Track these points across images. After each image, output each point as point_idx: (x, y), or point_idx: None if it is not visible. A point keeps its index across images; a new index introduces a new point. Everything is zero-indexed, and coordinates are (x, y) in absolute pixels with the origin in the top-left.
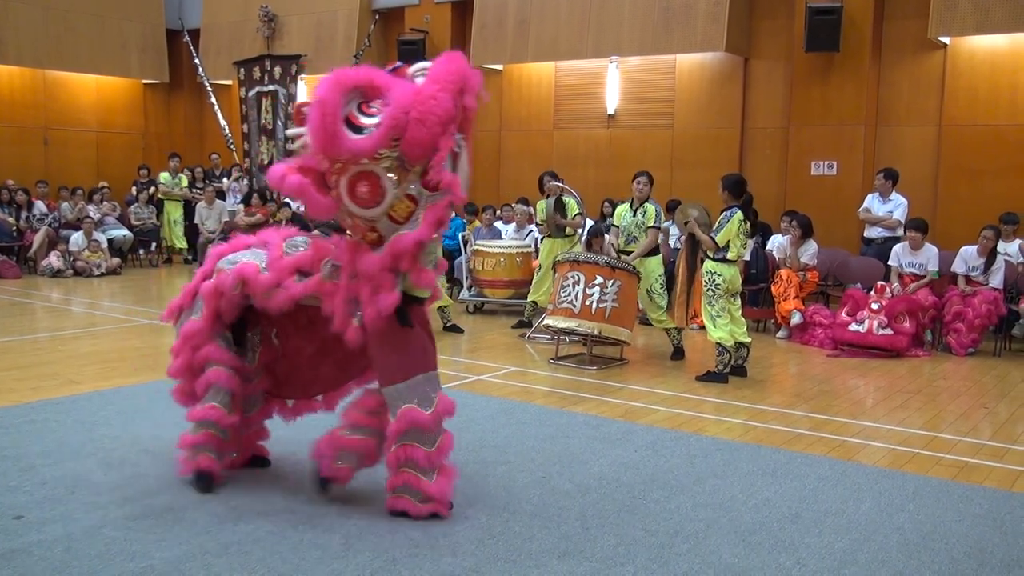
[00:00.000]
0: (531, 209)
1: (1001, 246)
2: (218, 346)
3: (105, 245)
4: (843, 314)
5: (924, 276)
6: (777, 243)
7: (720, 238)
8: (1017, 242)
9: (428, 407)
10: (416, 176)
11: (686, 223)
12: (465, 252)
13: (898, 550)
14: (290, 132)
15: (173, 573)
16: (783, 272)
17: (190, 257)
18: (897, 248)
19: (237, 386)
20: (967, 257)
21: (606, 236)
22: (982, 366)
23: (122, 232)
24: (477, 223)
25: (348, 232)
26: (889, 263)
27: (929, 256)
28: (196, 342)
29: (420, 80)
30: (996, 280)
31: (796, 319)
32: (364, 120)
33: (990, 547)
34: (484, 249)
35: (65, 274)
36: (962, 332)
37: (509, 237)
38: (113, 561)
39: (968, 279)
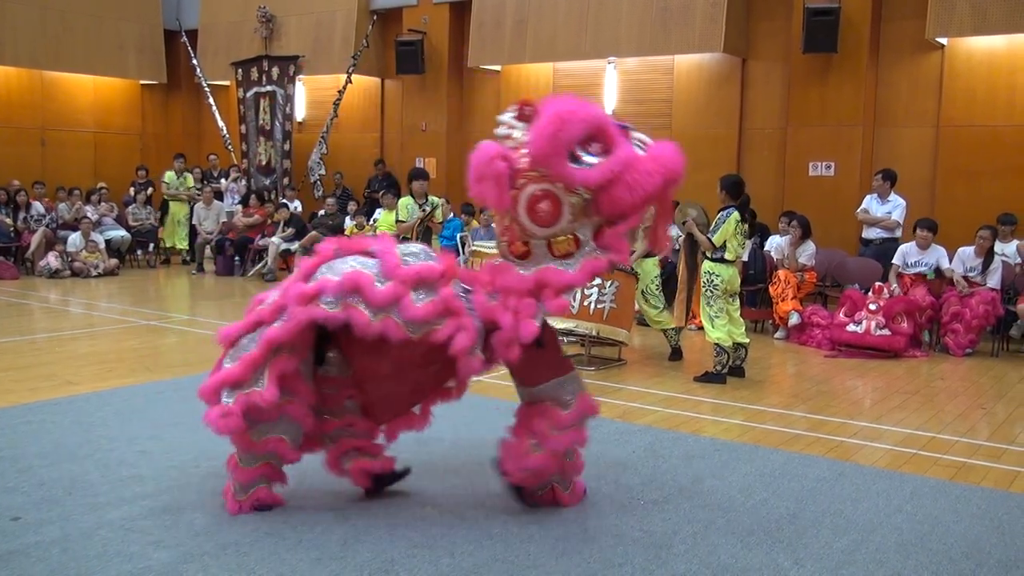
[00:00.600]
0: None
1: (999, 247)
2: (299, 372)
3: (103, 246)
4: (841, 315)
5: (926, 274)
6: (775, 244)
7: (717, 238)
8: (1015, 243)
9: (566, 407)
10: (592, 225)
11: (684, 223)
12: (463, 253)
13: (896, 550)
14: (503, 118)
15: (171, 575)
16: (781, 273)
17: (188, 258)
18: (904, 247)
19: (309, 423)
20: (964, 258)
21: None
22: (980, 367)
23: (120, 233)
24: (475, 224)
25: (498, 237)
26: (893, 262)
27: (938, 255)
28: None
29: (638, 149)
30: (993, 280)
31: (794, 320)
32: (582, 154)
33: (987, 547)
34: (482, 250)
35: (63, 275)
36: (960, 333)
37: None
38: (110, 563)
39: (967, 279)
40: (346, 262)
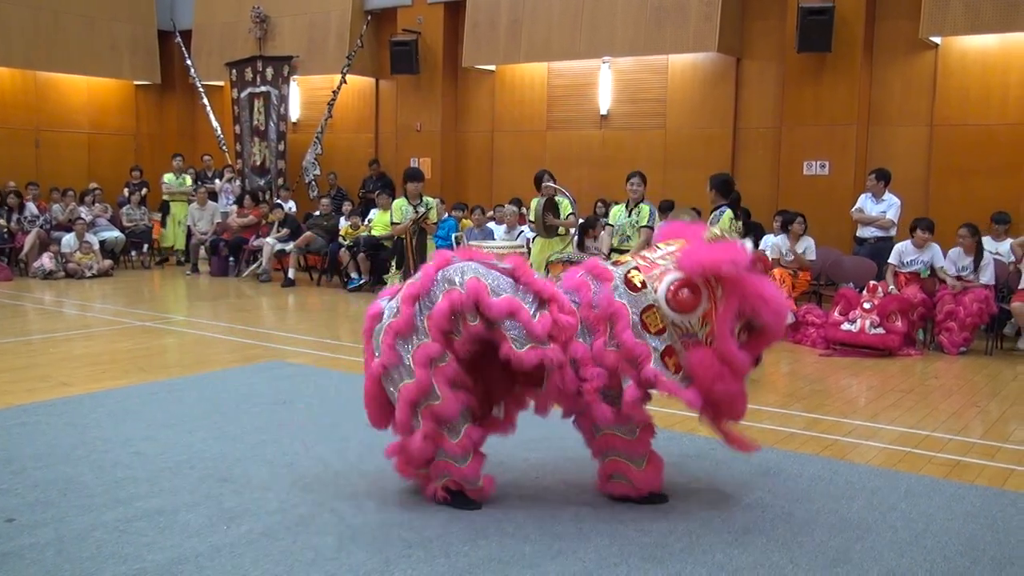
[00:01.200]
0: (522, 210)
1: (992, 245)
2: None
3: (97, 247)
4: (835, 314)
5: (920, 272)
6: (771, 242)
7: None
8: (1008, 241)
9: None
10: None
11: None
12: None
13: (890, 548)
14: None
15: None
16: (776, 272)
17: (183, 259)
18: (900, 246)
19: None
20: (955, 258)
21: (601, 232)
22: (974, 365)
23: (114, 234)
24: (468, 223)
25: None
26: (889, 261)
27: (933, 254)
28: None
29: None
30: (986, 277)
31: (789, 319)
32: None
33: (982, 545)
34: (477, 249)
35: (57, 276)
36: (954, 331)
37: (501, 238)
38: (105, 564)
39: (960, 279)
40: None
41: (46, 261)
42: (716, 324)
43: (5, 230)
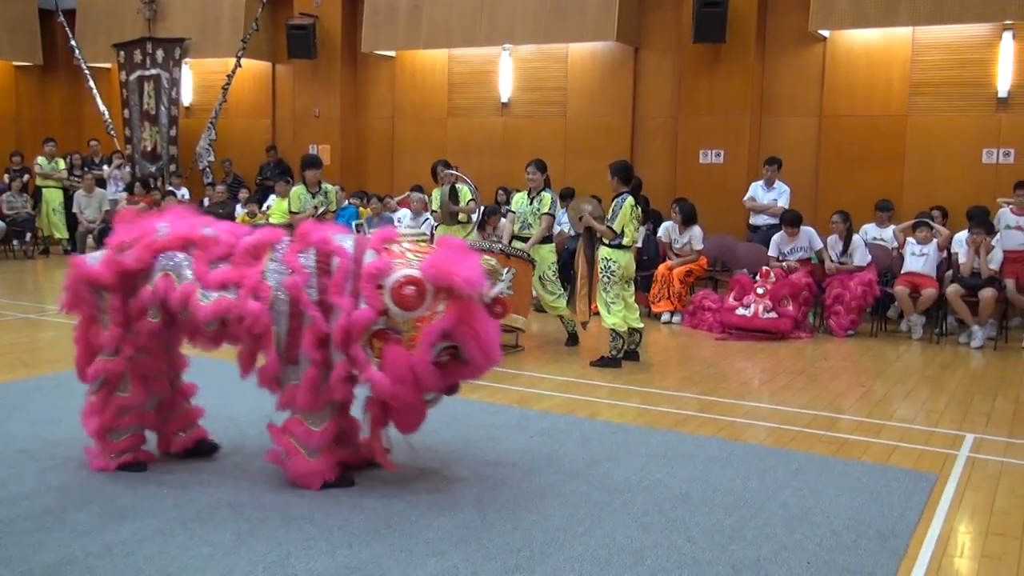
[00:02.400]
0: (426, 197)
1: (877, 231)
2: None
3: None
4: (730, 299)
5: (810, 257)
6: (663, 229)
7: (616, 224)
8: (891, 227)
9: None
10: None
11: (580, 218)
12: None
13: (782, 525)
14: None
15: (103, 567)
16: (660, 271)
17: (70, 247)
18: (776, 238)
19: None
20: (831, 244)
21: (502, 219)
22: (860, 347)
23: None
24: (368, 212)
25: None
26: (769, 253)
27: (809, 237)
28: None
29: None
30: (858, 258)
31: (676, 319)
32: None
33: (867, 519)
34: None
35: None
36: (841, 314)
37: (405, 224)
38: (38, 550)
39: (841, 264)
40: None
41: None
42: (422, 333)
43: None
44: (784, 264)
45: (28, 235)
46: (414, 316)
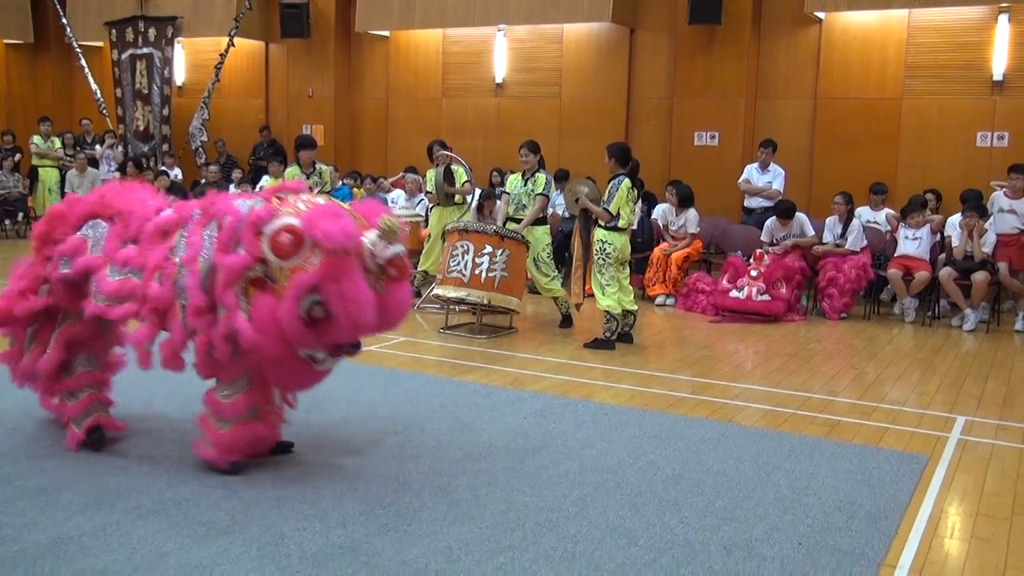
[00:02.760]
0: (420, 178)
1: (870, 214)
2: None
3: None
4: (724, 281)
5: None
6: (660, 211)
7: (612, 206)
8: (885, 211)
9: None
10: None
11: (576, 200)
12: None
13: (774, 506)
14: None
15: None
16: (656, 255)
17: None
18: (768, 223)
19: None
20: (831, 225)
21: (498, 201)
22: (853, 329)
23: None
24: (362, 193)
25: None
26: (762, 238)
27: (800, 223)
28: None
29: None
30: (852, 241)
31: (670, 301)
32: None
33: (859, 500)
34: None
35: None
36: (835, 297)
37: (399, 206)
38: (32, 530)
39: (837, 245)
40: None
41: None
42: (291, 284)
43: None
44: (776, 249)
45: (20, 215)
46: (288, 266)
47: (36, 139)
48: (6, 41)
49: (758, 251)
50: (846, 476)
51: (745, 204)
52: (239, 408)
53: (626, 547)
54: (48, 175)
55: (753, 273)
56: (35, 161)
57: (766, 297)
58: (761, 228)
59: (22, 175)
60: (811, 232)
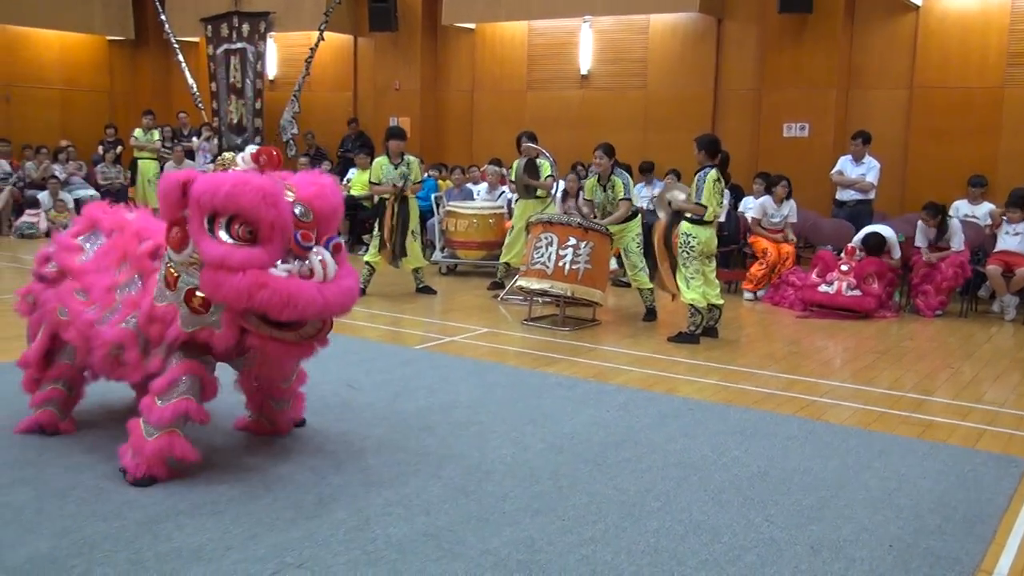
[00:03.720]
0: (503, 170)
1: (969, 208)
2: None
3: (72, 205)
4: (813, 276)
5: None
6: (754, 203)
7: (705, 199)
8: (985, 205)
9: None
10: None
11: (670, 203)
12: (438, 213)
13: (863, 506)
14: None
15: (146, 535)
16: (771, 255)
17: None
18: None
19: None
20: (924, 231)
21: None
22: (948, 327)
23: (89, 192)
24: (449, 183)
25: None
26: (855, 239)
27: (891, 244)
28: None
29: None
30: (956, 243)
31: (760, 293)
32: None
33: (954, 503)
34: (457, 210)
35: (36, 234)
36: (930, 294)
37: (481, 198)
38: (86, 522)
39: (932, 247)
40: None
41: (39, 220)
42: (192, 237)
43: None
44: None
45: (121, 204)
46: (190, 250)
47: (137, 132)
48: (109, 38)
49: (849, 245)
50: (940, 478)
51: (837, 197)
52: (168, 418)
53: (709, 543)
54: (147, 167)
55: (843, 268)
56: (135, 153)
57: (857, 292)
58: (852, 221)
59: (123, 167)
60: (896, 246)
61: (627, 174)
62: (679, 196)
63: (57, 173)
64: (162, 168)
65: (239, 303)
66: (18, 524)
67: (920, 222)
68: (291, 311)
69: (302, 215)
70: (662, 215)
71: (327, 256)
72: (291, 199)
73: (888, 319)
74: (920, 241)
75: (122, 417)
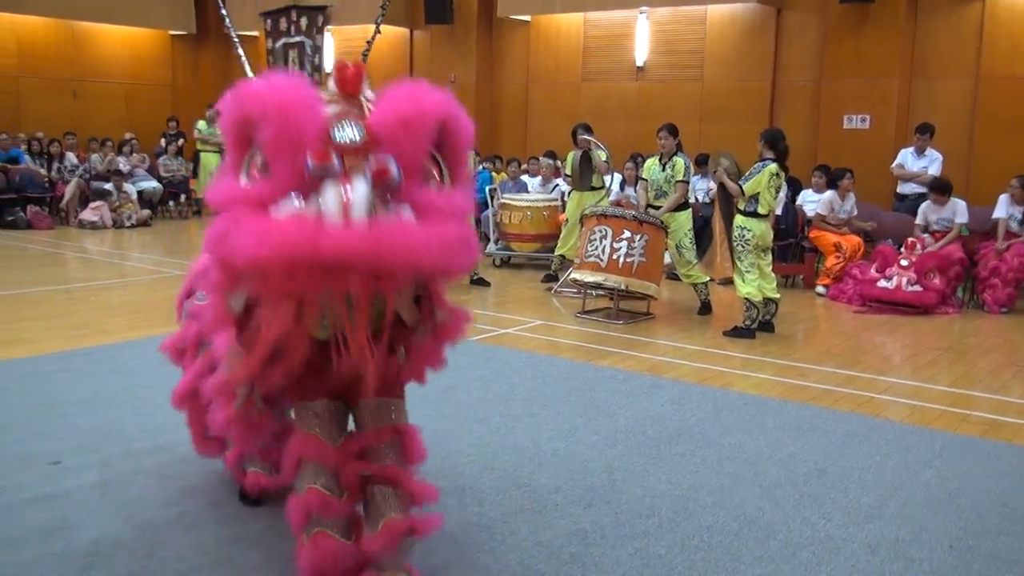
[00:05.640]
0: (557, 162)
1: None
2: None
3: (135, 197)
4: (872, 270)
5: (951, 230)
6: (817, 198)
7: (748, 187)
8: None
9: None
10: None
11: (715, 171)
12: (492, 205)
13: (924, 505)
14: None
15: (207, 520)
16: (832, 236)
17: None
18: (923, 207)
19: None
20: (1004, 204)
21: (628, 188)
22: (1015, 323)
23: (152, 184)
24: (503, 176)
25: None
26: (916, 221)
27: (956, 209)
28: None
29: None
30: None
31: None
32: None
33: (1018, 503)
34: (511, 203)
35: (98, 225)
36: (997, 288)
37: (536, 191)
38: (148, 507)
39: (1008, 232)
40: None
41: (101, 215)
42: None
43: (46, 179)
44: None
45: (183, 197)
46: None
47: (200, 124)
48: (172, 33)
49: (910, 239)
50: (1003, 478)
51: (898, 190)
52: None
53: (764, 540)
54: (209, 159)
55: (904, 263)
56: (198, 146)
57: (917, 288)
58: (914, 215)
59: (185, 159)
60: (965, 219)
61: (689, 159)
62: (723, 162)
63: (121, 166)
64: (223, 160)
65: (214, 253)
66: (85, 508)
67: (1007, 196)
68: (253, 256)
69: (347, 136)
70: (714, 181)
71: (358, 191)
72: (331, 112)
73: (950, 315)
74: (1001, 213)
75: None
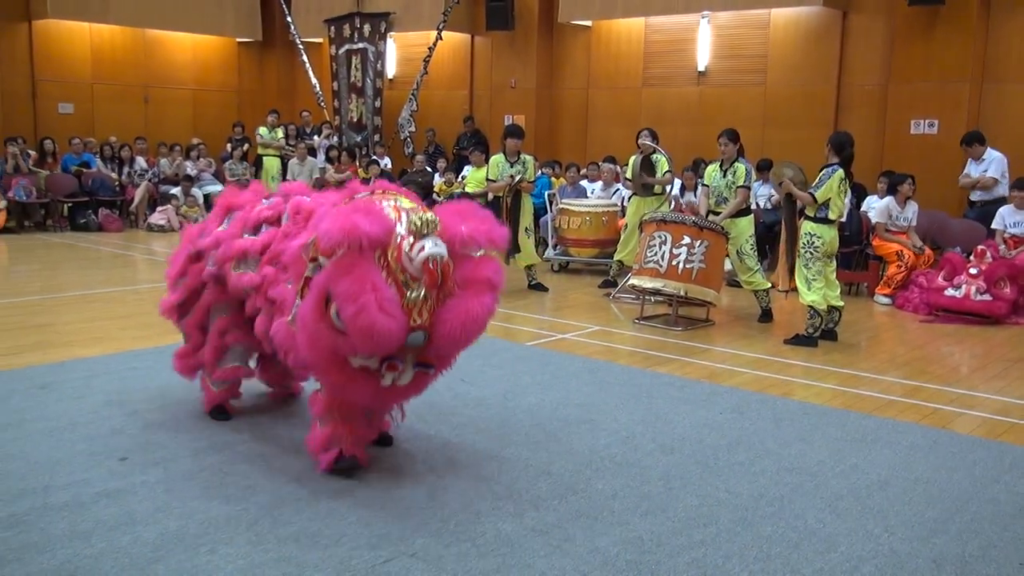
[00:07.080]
0: (618, 168)
1: None
2: None
3: (201, 200)
4: (939, 278)
5: None
6: (876, 205)
7: (820, 195)
8: None
9: None
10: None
11: (780, 183)
12: (551, 210)
13: (991, 521)
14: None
15: (266, 518)
16: (894, 247)
17: None
18: (1003, 210)
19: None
20: None
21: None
22: None
23: (217, 188)
24: (562, 181)
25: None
26: (994, 226)
27: None
28: None
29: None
30: None
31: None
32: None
33: None
34: (570, 208)
35: (165, 228)
36: None
37: (595, 196)
38: (211, 504)
39: None
40: None
41: (167, 218)
42: (311, 284)
43: (116, 183)
44: None
45: None
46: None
47: (262, 130)
48: (238, 40)
49: (979, 247)
50: None
51: (970, 197)
52: (324, 405)
53: (825, 552)
54: (271, 163)
55: (973, 271)
56: (260, 150)
57: (987, 297)
58: (983, 221)
59: (248, 163)
60: None
61: (750, 165)
62: (787, 173)
63: (188, 170)
64: (284, 165)
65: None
66: (151, 503)
67: None
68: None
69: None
70: (777, 195)
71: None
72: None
73: (1021, 325)
74: None
75: (242, 406)
